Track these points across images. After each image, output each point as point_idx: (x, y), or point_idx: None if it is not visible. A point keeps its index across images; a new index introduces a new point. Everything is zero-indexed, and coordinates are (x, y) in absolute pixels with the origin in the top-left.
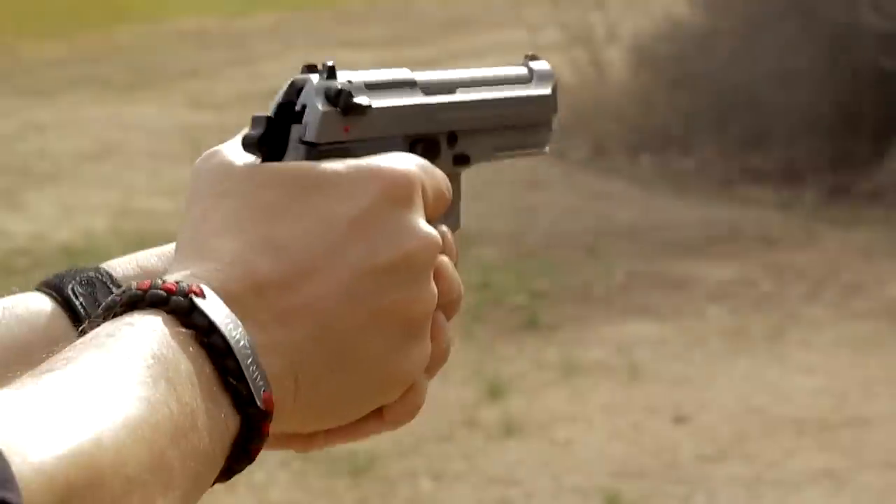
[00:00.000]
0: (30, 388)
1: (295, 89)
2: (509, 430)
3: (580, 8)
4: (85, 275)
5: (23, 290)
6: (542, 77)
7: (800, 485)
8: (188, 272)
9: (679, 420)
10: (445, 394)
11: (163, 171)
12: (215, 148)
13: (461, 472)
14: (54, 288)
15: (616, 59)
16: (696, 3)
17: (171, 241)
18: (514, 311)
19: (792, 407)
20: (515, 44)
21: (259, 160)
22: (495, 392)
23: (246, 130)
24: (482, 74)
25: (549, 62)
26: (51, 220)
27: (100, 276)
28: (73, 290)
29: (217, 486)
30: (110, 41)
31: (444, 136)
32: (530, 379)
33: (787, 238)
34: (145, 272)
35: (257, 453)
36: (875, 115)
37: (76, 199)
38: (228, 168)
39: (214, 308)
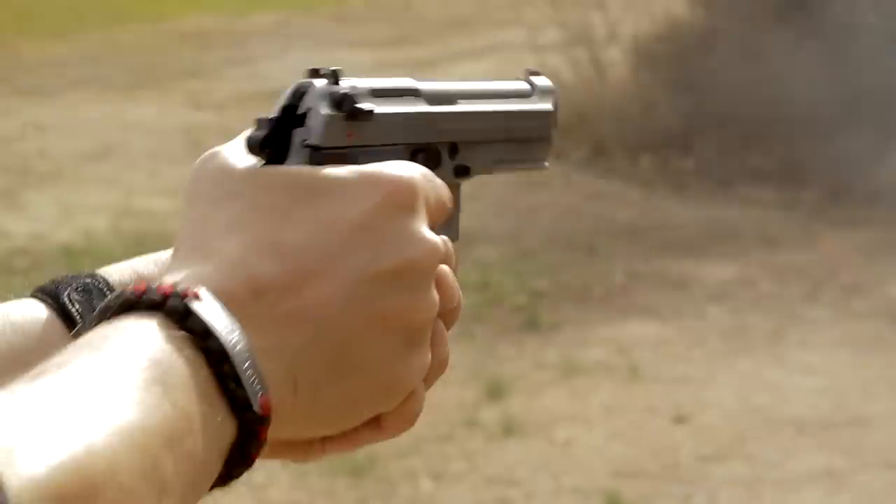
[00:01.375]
0: (21, 394)
1: (299, 93)
2: (509, 430)
3: (580, 8)
4: (81, 281)
5: (22, 290)
6: (544, 92)
7: (800, 485)
8: (187, 273)
9: (679, 420)
10: (445, 394)
11: (163, 171)
12: (215, 149)
13: (461, 472)
14: (50, 294)
15: (616, 59)
16: (696, 3)
17: (171, 241)
18: (514, 311)
19: (792, 407)
20: (515, 44)
21: (262, 162)
22: (495, 392)
23: (248, 132)
24: (484, 87)
25: (549, 76)
26: (51, 220)
27: (96, 283)
28: (69, 296)
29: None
30: (110, 41)
31: (445, 146)
32: (530, 379)
33: (787, 238)
34: (142, 279)
35: (255, 459)
36: (875, 115)
37: (76, 199)
38: (230, 170)
39: (211, 311)
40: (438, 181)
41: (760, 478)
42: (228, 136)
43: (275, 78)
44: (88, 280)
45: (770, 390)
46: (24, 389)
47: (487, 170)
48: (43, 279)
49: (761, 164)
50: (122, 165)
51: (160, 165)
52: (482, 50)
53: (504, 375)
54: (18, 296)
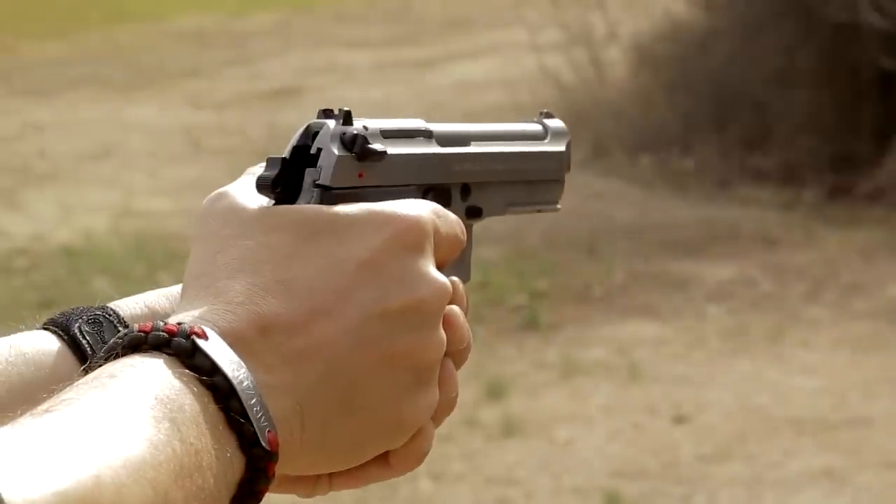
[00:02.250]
0: (29, 427)
1: (311, 133)
2: (509, 430)
3: (580, 8)
4: (91, 314)
5: (23, 291)
6: (557, 134)
7: (800, 485)
8: (195, 313)
9: (679, 420)
10: None
11: (163, 171)
12: (223, 188)
13: (461, 472)
14: (61, 327)
15: (616, 59)
16: (695, 3)
17: (170, 241)
18: (514, 311)
19: (792, 407)
20: (515, 44)
21: (271, 202)
22: (495, 392)
23: (255, 169)
24: (497, 129)
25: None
26: (51, 220)
27: (107, 315)
28: (79, 329)
29: None
30: (110, 41)
31: (457, 187)
32: (530, 379)
33: (787, 238)
34: (153, 312)
35: (263, 494)
36: (875, 115)
37: (76, 199)
38: (239, 210)
39: (217, 349)
40: (451, 216)
41: (760, 478)
42: (228, 135)
43: (275, 78)
44: (99, 312)
45: (770, 390)
46: (30, 424)
47: (499, 211)
48: (43, 279)
49: (761, 164)
50: (122, 165)
51: (160, 165)
52: (482, 50)
53: (504, 375)
54: (15, 295)
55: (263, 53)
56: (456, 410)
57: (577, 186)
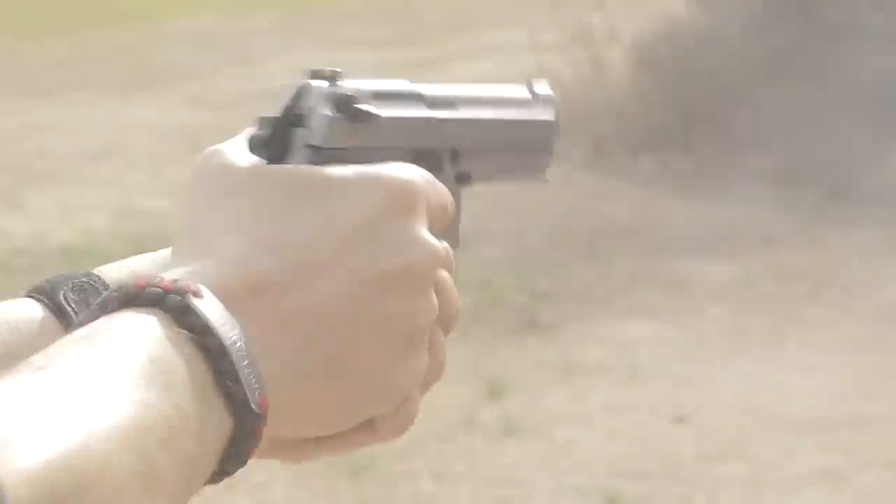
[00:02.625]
0: (16, 387)
1: (301, 93)
2: (509, 430)
3: (580, 8)
4: (77, 281)
5: (23, 290)
6: (545, 101)
7: (800, 485)
8: (188, 269)
9: (679, 420)
10: (445, 394)
11: (163, 171)
12: (216, 147)
13: (461, 472)
14: (46, 294)
15: (616, 59)
16: (695, 3)
17: (169, 241)
18: (514, 311)
19: (792, 407)
20: (515, 44)
21: (263, 161)
22: (495, 392)
23: (250, 130)
24: (486, 93)
25: (548, 78)
26: (51, 220)
27: (92, 282)
28: (64, 296)
29: (217, 485)
30: (110, 41)
31: (446, 152)
32: (530, 379)
33: (787, 238)
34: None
35: (250, 456)
36: (875, 115)
37: (76, 199)
38: (232, 168)
39: (211, 308)
40: (440, 185)
41: (760, 478)
42: (228, 136)
43: (275, 78)
44: (85, 279)
45: (770, 390)
46: (18, 382)
47: (489, 177)
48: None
49: (761, 164)
50: (122, 165)
51: (160, 165)
52: (482, 50)
53: (504, 375)
54: (15, 295)
55: (263, 53)
56: (456, 410)
57: (577, 186)
